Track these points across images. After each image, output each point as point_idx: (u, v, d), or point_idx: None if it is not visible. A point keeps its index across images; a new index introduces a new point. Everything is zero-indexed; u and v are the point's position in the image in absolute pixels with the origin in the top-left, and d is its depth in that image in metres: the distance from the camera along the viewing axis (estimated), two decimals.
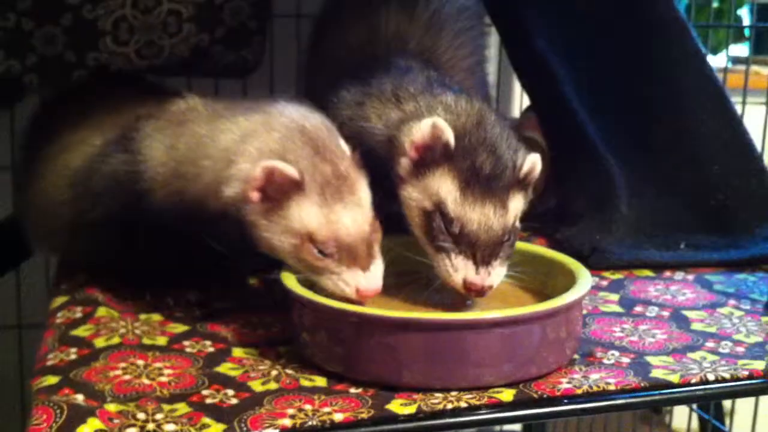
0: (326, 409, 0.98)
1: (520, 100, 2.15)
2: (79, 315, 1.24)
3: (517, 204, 1.20)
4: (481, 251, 1.15)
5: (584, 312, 1.30)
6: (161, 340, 1.17)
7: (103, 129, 1.35)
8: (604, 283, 1.45)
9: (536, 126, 1.76)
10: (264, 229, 1.11)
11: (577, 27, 1.74)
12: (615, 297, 1.38)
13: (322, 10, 1.64)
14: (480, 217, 1.16)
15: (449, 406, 1.00)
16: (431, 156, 1.18)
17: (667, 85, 1.70)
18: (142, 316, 1.25)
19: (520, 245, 1.32)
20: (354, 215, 1.10)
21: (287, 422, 0.95)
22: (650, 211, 1.64)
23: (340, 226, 1.09)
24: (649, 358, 1.14)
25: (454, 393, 1.02)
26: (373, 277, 1.10)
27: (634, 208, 1.63)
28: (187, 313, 1.26)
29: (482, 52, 1.60)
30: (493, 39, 1.93)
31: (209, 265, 1.30)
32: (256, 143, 1.12)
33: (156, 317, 1.25)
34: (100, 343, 1.15)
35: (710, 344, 1.20)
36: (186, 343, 1.17)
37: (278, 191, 1.08)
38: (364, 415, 0.97)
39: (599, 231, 1.57)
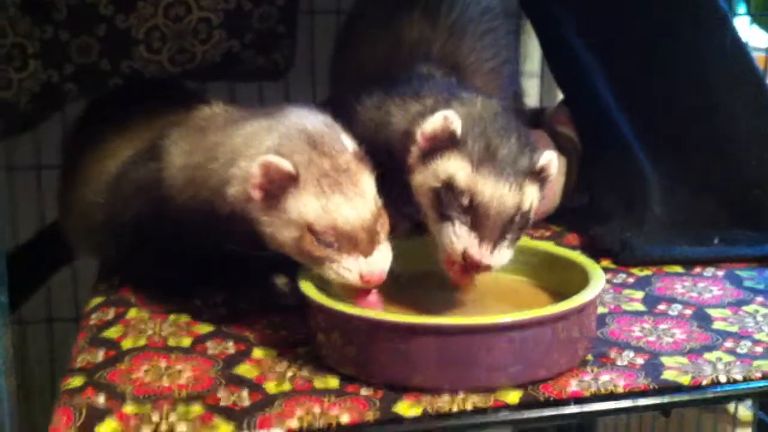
0: (334, 411, 1.01)
1: None
2: (111, 316, 1.29)
3: (532, 193, 1.20)
4: (490, 225, 1.14)
5: (606, 310, 1.31)
6: (185, 341, 1.21)
7: (137, 136, 1.40)
8: (631, 280, 1.45)
9: (568, 121, 1.75)
10: (267, 225, 1.13)
11: (609, 21, 1.73)
12: (639, 295, 1.38)
13: (346, 20, 1.66)
14: (493, 190, 1.15)
15: (455, 408, 1.02)
16: (439, 145, 1.20)
17: (702, 80, 1.67)
18: (171, 317, 1.29)
19: (537, 244, 1.34)
20: (353, 204, 1.12)
21: (294, 423, 0.99)
22: (684, 208, 1.63)
23: (338, 216, 1.11)
24: (664, 359, 1.14)
25: (461, 394, 1.04)
26: (375, 261, 1.12)
27: (667, 205, 1.62)
28: (214, 313, 1.30)
29: (509, 51, 1.59)
30: None
31: (235, 267, 1.34)
32: (255, 143, 1.16)
33: (184, 318, 1.29)
34: (127, 344, 1.20)
35: (729, 344, 1.19)
36: (209, 344, 1.21)
37: (277, 187, 1.11)
38: (370, 417, 1.00)
39: (630, 228, 1.57)
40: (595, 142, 1.69)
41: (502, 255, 1.17)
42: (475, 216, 1.15)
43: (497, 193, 1.16)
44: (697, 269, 1.49)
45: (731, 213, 1.62)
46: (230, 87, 1.90)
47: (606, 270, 1.46)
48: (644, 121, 1.68)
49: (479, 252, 1.14)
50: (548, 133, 1.76)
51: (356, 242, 1.11)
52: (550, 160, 1.23)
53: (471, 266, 1.15)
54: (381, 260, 1.13)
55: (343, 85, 1.57)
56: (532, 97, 2.24)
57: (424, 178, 1.21)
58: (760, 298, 1.36)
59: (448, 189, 1.17)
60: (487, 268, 1.15)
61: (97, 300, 1.36)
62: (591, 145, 1.70)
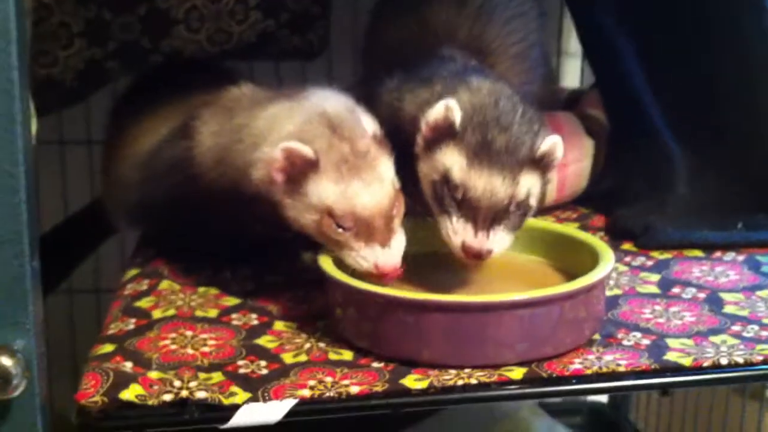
0: (345, 382, 1.06)
1: None
2: (144, 287, 1.36)
3: (530, 181, 1.23)
4: (483, 215, 1.19)
5: (620, 292, 1.34)
6: (212, 313, 1.27)
7: (171, 115, 1.46)
8: (650, 263, 1.47)
9: (599, 103, 1.77)
10: (290, 207, 1.19)
11: (645, 2, 1.73)
12: (655, 278, 1.40)
13: (375, 3, 1.69)
14: (485, 184, 1.20)
15: (460, 382, 1.06)
16: (441, 135, 1.23)
17: (737, 62, 1.67)
18: (201, 289, 1.35)
19: (552, 225, 1.38)
20: (371, 190, 1.16)
21: (306, 393, 1.04)
22: (711, 191, 1.64)
23: (357, 201, 1.16)
24: (669, 341, 1.17)
25: (467, 370, 1.08)
26: (390, 253, 1.16)
27: (694, 189, 1.63)
28: (242, 286, 1.37)
29: (539, 34, 1.62)
30: None
31: (263, 242, 1.40)
32: (277, 128, 1.21)
33: (213, 290, 1.35)
34: (157, 314, 1.26)
35: (736, 328, 1.21)
36: (234, 315, 1.27)
37: (298, 171, 1.16)
38: (378, 389, 1.05)
39: (654, 211, 1.59)
40: (623, 124, 1.71)
41: (501, 239, 1.21)
42: (469, 208, 1.20)
43: (489, 186, 1.19)
44: (717, 254, 1.51)
45: (758, 197, 1.62)
46: (275, 65, 1.95)
47: (626, 253, 1.50)
48: (676, 102, 1.68)
49: (477, 241, 1.19)
50: (579, 116, 1.78)
51: (373, 229, 1.16)
52: (554, 144, 1.25)
53: (472, 255, 1.19)
54: (396, 251, 1.17)
55: (372, 68, 1.61)
56: (573, 78, 2.26)
57: (427, 168, 1.26)
58: None
59: (445, 182, 1.22)
60: (489, 253, 1.19)
61: (133, 272, 1.43)
62: (619, 127, 1.72)
